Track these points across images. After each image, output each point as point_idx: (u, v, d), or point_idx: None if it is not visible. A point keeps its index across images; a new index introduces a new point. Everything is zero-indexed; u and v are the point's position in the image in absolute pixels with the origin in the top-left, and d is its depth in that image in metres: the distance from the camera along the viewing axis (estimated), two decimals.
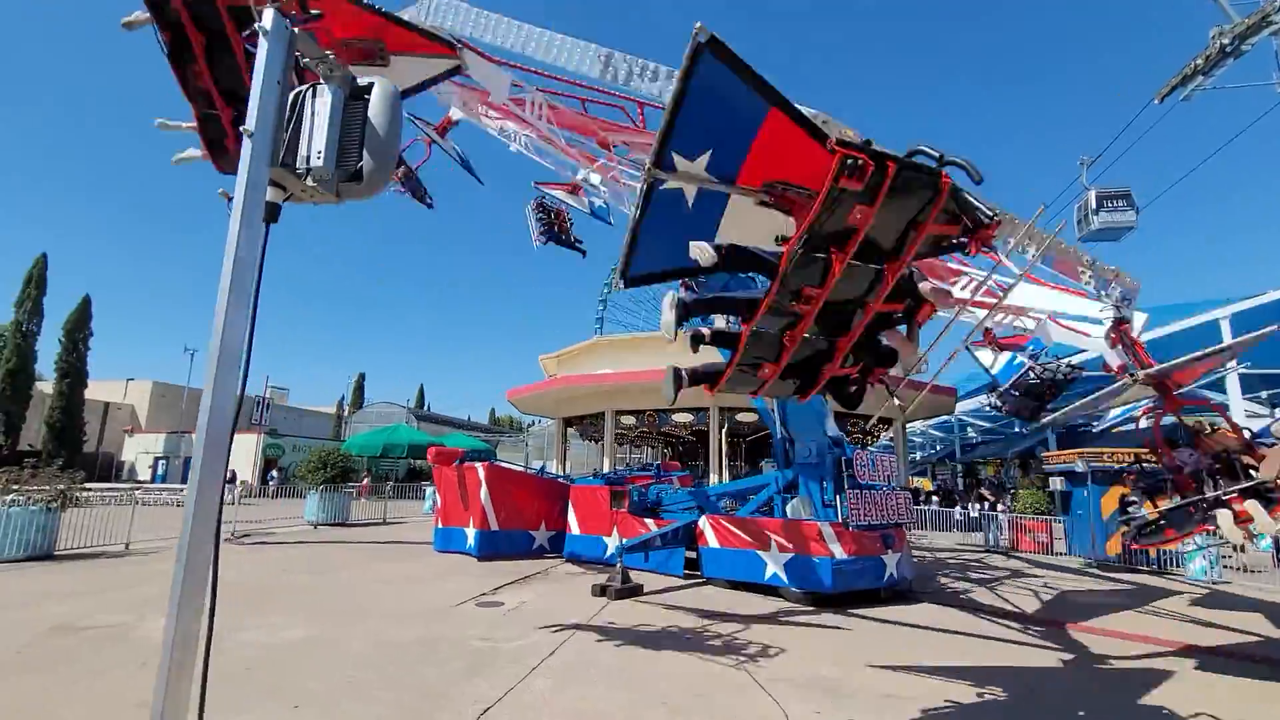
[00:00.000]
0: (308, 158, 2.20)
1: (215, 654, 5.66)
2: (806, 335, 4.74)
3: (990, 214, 4.21)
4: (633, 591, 8.88)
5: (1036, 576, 12.18)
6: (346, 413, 60.31)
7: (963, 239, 4.30)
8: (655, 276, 5.45)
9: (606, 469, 23.61)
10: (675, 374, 5.44)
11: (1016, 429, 36.85)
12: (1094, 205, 8.43)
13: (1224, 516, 5.84)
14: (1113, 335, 6.72)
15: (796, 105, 3.94)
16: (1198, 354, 6.18)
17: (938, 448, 49.24)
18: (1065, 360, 8.78)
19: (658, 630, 7.14)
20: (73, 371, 36.02)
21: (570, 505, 12.70)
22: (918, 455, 48.81)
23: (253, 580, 9.43)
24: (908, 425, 31.24)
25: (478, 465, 12.51)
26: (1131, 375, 6.36)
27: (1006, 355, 9.75)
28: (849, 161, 3.65)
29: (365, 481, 27.57)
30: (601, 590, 8.76)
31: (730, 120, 4.08)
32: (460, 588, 9.12)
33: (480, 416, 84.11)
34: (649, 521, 11.20)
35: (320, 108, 2.23)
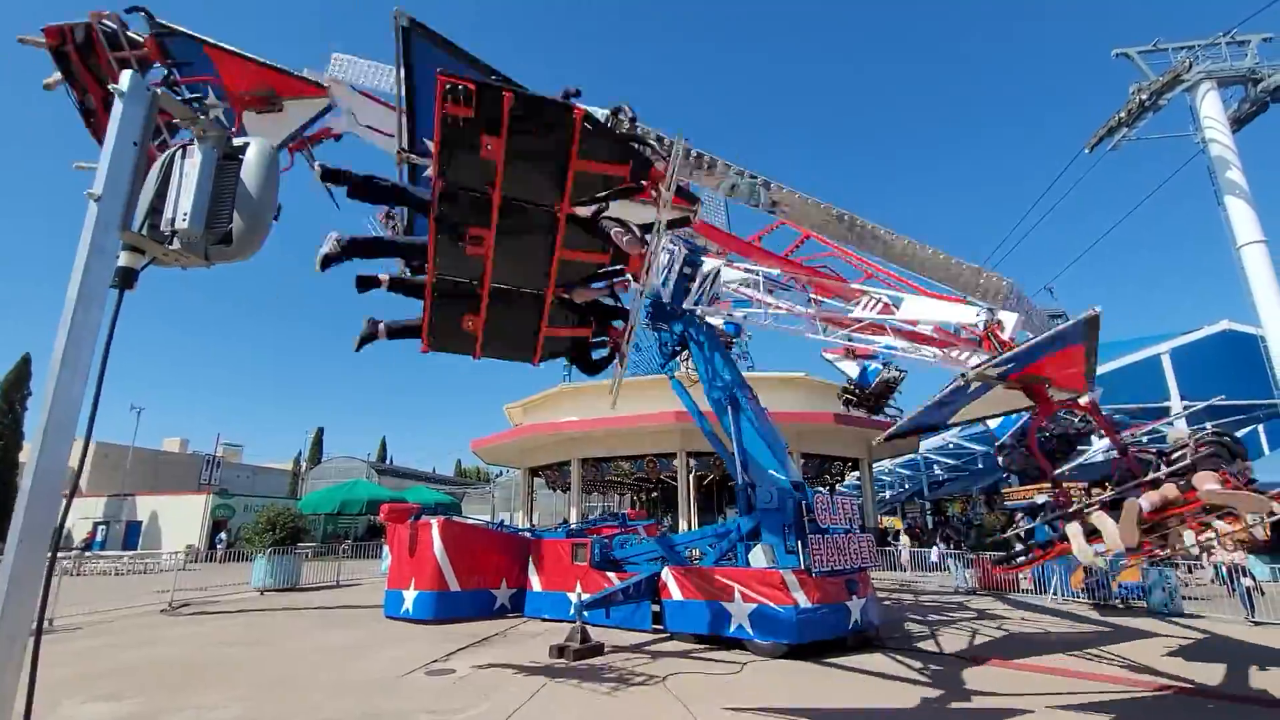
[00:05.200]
0: (173, 220, 2.08)
1: None
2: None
3: None
4: (593, 651, 8.51)
5: (1002, 616, 12.13)
6: (304, 469, 58.05)
7: None
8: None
9: (574, 519, 23.09)
10: (369, 324, 5.50)
11: (980, 465, 37.45)
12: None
13: (1075, 532, 5.46)
14: (984, 338, 6.61)
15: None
16: (1033, 341, 5.36)
17: (906, 486, 49.59)
18: (1076, 418, 8.66)
19: (615, 693, 6.81)
20: (7, 433, 34.05)
21: (531, 560, 12.28)
22: (886, 494, 49.04)
23: (186, 656, 8.76)
24: (874, 464, 31.44)
25: (432, 521, 12.02)
26: (963, 375, 5.54)
27: (859, 363, 11.37)
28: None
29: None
30: (560, 651, 8.37)
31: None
32: (410, 654, 8.62)
33: (446, 469, 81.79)
34: (612, 575, 10.87)
35: (189, 168, 2.13)
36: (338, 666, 8.08)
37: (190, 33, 6.28)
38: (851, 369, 12.57)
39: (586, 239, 4.72)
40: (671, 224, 6.31)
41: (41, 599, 1.94)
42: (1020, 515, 7.31)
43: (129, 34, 5.44)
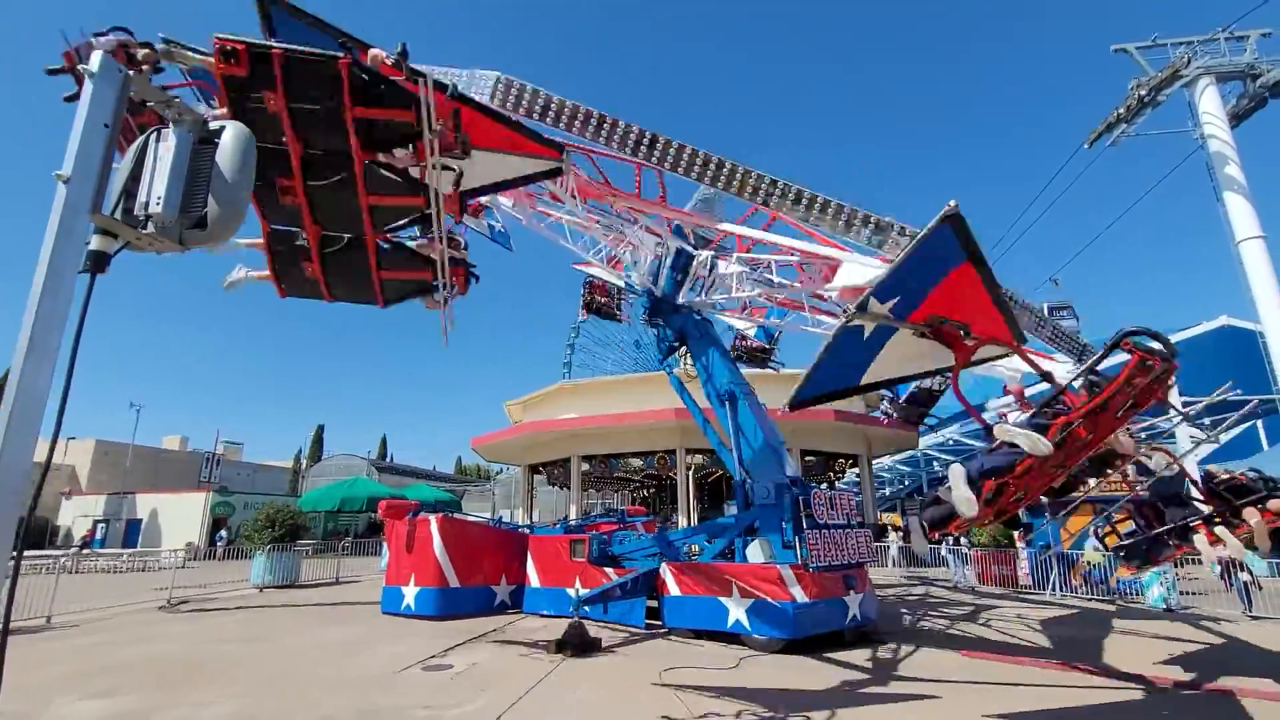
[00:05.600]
0: (146, 204, 2.06)
1: None
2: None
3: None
4: (590, 646, 8.51)
5: (1004, 609, 12.14)
6: (304, 467, 58.14)
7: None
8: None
9: (574, 515, 23.10)
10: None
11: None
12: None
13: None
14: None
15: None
16: (901, 258, 6.16)
17: (905, 483, 49.62)
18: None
19: (613, 688, 6.81)
20: None
21: (529, 557, 12.28)
22: (886, 491, 49.08)
23: (183, 652, 8.76)
24: (874, 461, 31.45)
25: (430, 518, 12.02)
26: (844, 311, 6.68)
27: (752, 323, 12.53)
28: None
29: None
30: (557, 646, 8.37)
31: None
32: (409, 650, 8.62)
33: (446, 466, 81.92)
34: (610, 571, 10.87)
35: (164, 152, 2.10)
36: (336, 662, 8.09)
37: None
38: (749, 328, 13.65)
39: (392, 183, 4.86)
40: (539, 176, 6.63)
41: (8, 596, 1.91)
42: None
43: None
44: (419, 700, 6.33)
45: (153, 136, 2.19)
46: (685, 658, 8.18)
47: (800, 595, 8.54)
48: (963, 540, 20.12)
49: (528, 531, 13.63)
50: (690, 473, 23.65)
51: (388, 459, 67.98)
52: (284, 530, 17.85)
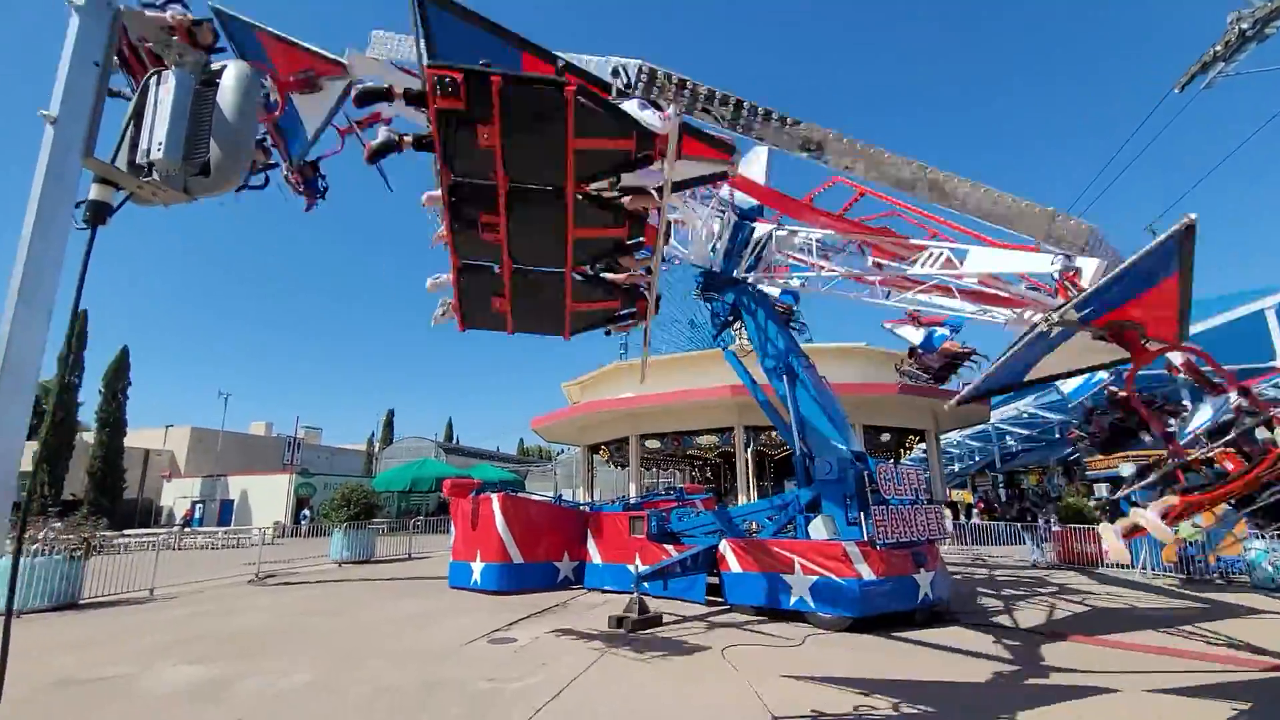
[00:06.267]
0: (148, 150, 1.99)
1: (211, 704, 5.53)
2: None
3: None
4: (651, 622, 8.50)
5: (1085, 590, 11.43)
6: (377, 449, 60.94)
7: None
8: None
9: (633, 494, 23.21)
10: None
11: (1057, 435, 35.29)
12: None
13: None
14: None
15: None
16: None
17: (976, 458, 47.48)
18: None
19: (672, 663, 6.76)
20: (112, 421, 37.04)
21: (590, 534, 12.39)
22: (956, 467, 47.16)
23: (266, 623, 9.29)
24: (942, 436, 30.16)
25: (493, 496, 12.26)
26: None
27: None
28: None
29: None
30: (618, 622, 8.40)
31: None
32: (474, 624, 8.85)
33: (509, 447, 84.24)
34: (669, 547, 10.83)
35: (164, 95, 2.02)
36: (406, 635, 8.37)
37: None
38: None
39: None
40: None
41: (10, 578, 1.87)
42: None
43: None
44: (483, 673, 6.46)
45: (153, 80, 2.10)
46: (745, 634, 8.05)
47: (867, 573, 8.24)
48: (1053, 517, 19.07)
49: (588, 509, 13.75)
50: (751, 449, 23.28)
51: (454, 441, 70.37)
52: (359, 509, 18.69)
